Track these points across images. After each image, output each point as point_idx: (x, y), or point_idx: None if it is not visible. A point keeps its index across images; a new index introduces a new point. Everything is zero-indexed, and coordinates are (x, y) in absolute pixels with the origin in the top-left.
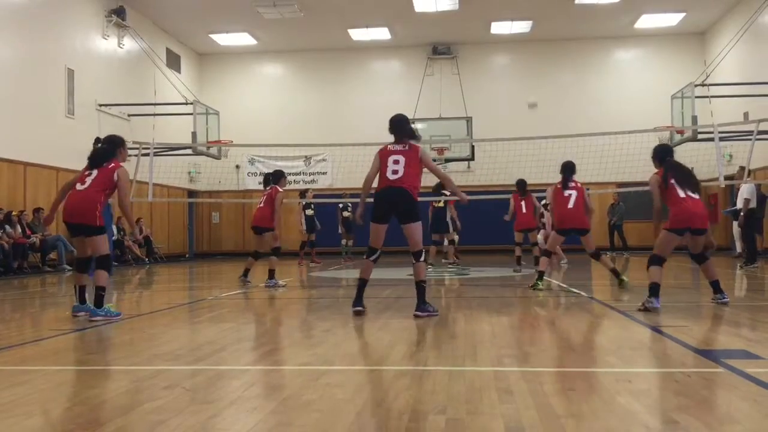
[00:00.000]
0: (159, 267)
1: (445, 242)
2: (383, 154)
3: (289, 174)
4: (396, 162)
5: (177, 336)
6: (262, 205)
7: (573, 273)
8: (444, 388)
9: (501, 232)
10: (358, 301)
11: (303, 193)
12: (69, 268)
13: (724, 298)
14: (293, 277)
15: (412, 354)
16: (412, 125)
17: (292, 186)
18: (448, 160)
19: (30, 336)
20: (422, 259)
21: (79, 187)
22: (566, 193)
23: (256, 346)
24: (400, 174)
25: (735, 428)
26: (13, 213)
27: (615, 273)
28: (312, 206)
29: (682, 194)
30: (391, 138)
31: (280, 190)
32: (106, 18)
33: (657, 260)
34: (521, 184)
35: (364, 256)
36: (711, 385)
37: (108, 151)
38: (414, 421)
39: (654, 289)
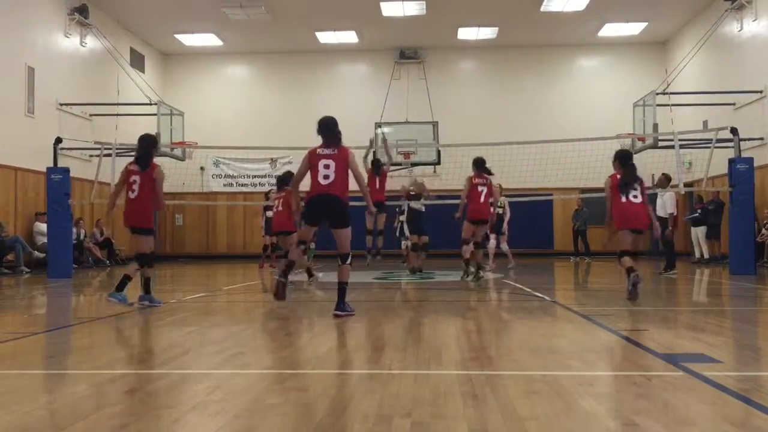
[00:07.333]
0: (120, 269)
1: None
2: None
3: (255, 177)
4: (327, 167)
5: (139, 339)
6: (280, 209)
7: (536, 277)
8: (409, 391)
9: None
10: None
11: (266, 195)
12: (27, 270)
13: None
14: (257, 280)
15: (377, 358)
16: (379, 129)
17: (257, 189)
18: (414, 164)
19: None
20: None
21: (131, 195)
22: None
23: (220, 349)
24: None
25: (693, 431)
26: None
27: (478, 267)
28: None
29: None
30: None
31: None
32: (69, 16)
33: None
34: None
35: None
36: (671, 388)
37: (149, 152)
38: (379, 424)
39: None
